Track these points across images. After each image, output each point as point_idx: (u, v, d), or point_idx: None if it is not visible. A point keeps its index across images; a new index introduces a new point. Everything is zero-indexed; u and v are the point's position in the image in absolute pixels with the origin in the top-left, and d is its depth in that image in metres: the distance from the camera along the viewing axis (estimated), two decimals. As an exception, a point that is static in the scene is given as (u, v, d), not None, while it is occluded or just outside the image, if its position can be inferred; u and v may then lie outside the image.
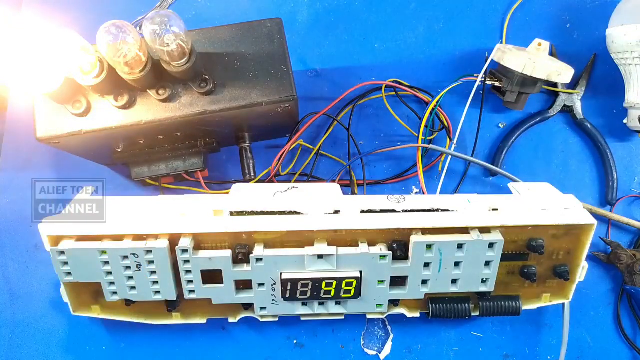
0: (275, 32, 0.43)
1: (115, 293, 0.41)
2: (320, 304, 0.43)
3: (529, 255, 0.42)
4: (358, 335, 0.49)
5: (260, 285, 0.41)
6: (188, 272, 0.40)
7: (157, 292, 0.41)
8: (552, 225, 0.40)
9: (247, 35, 0.42)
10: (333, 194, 0.43)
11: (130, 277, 0.40)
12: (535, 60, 0.49)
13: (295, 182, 0.53)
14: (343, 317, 0.45)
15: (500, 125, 0.55)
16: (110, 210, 0.40)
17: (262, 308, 0.43)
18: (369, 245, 0.40)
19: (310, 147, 0.53)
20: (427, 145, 0.51)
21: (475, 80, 0.51)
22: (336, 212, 0.41)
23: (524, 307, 0.45)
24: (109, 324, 0.48)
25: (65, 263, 0.39)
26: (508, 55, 0.50)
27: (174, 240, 0.39)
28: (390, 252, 0.40)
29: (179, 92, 0.42)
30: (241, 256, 0.39)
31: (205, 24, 0.43)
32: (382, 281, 0.41)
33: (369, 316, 0.46)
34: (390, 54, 0.56)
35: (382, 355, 0.49)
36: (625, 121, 0.53)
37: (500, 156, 0.53)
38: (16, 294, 0.50)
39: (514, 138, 0.53)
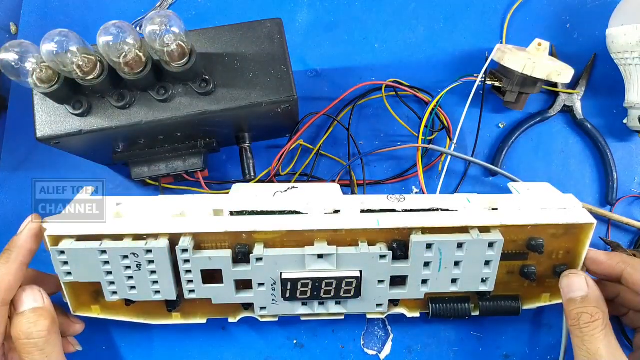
0: (275, 32, 0.43)
1: (115, 293, 0.41)
2: (320, 304, 0.43)
3: (529, 254, 0.42)
4: (358, 335, 0.49)
5: (260, 285, 0.41)
6: (188, 272, 0.40)
7: (157, 292, 0.41)
8: (552, 224, 0.40)
9: (247, 35, 0.42)
10: (333, 194, 0.43)
11: (130, 277, 0.40)
12: (535, 60, 0.49)
13: (295, 182, 0.53)
14: (343, 317, 0.45)
15: (500, 125, 0.55)
16: (110, 210, 0.40)
17: (262, 308, 0.43)
18: (369, 245, 0.40)
19: (310, 147, 0.53)
20: (427, 146, 0.51)
21: (475, 80, 0.51)
22: (336, 212, 0.41)
23: (524, 307, 0.45)
24: (109, 324, 0.48)
25: (65, 263, 0.39)
26: (508, 55, 0.50)
27: (174, 240, 0.39)
28: (390, 252, 0.40)
29: (179, 92, 0.42)
30: (241, 256, 0.39)
31: (205, 24, 0.43)
32: (382, 281, 0.41)
33: (369, 316, 0.46)
34: (390, 54, 0.57)
35: (382, 355, 0.49)
36: (625, 121, 0.53)
37: (500, 156, 0.53)
38: (16, 294, 0.50)
39: (514, 138, 0.53)
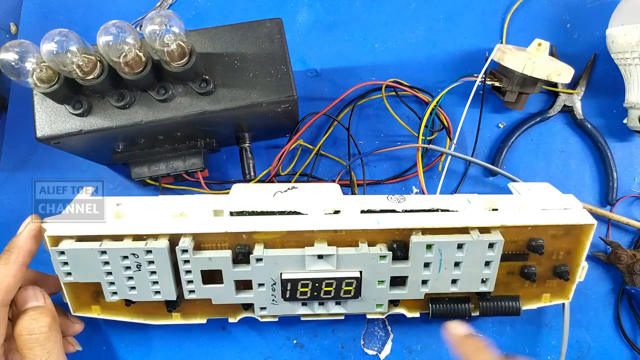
0: (275, 32, 0.43)
1: (115, 293, 0.41)
2: (320, 304, 0.43)
3: (529, 255, 0.42)
4: (358, 335, 0.49)
5: (260, 285, 0.41)
6: (188, 272, 0.40)
7: (157, 292, 0.41)
8: (552, 225, 0.40)
9: (247, 35, 0.42)
10: (333, 194, 0.43)
11: (130, 277, 0.40)
12: (535, 60, 0.49)
13: (295, 182, 0.53)
14: (343, 317, 0.45)
15: (500, 125, 0.55)
16: (110, 211, 0.40)
17: (262, 308, 0.43)
18: (369, 245, 0.40)
19: (310, 147, 0.53)
20: (427, 146, 0.51)
21: (475, 80, 0.51)
22: (336, 212, 0.41)
23: (524, 307, 0.45)
24: (109, 324, 0.48)
25: (65, 263, 0.39)
26: (508, 55, 0.50)
27: (174, 240, 0.39)
28: (390, 252, 0.40)
29: (179, 92, 0.42)
30: (241, 256, 0.39)
31: (205, 24, 0.43)
32: (382, 281, 0.41)
33: (369, 316, 0.46)
34: (390, 54, 0.56)
35: (382, 355, 0.49)
36: (625, 121, 0.53)
37: (500, 156, 0.53)
38: (16, 294, 0.50)
39: (514, 138, 0.53)
